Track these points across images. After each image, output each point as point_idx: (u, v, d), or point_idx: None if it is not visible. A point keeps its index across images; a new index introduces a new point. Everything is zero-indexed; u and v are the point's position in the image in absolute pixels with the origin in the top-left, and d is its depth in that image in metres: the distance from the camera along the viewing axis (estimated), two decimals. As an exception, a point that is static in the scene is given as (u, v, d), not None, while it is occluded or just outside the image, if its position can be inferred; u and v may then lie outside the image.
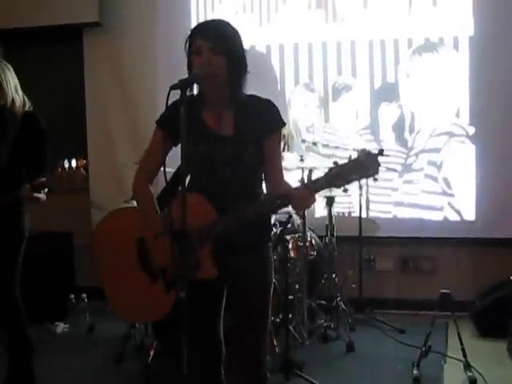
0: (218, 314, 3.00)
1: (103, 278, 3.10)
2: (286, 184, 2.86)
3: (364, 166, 2.51)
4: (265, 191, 2.95)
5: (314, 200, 2.63)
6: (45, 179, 3.64)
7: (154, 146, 2.91)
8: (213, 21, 2.85)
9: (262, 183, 2.92)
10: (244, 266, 2.86)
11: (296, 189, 2.65)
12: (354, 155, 2.57)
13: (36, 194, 3.74)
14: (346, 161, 2.55)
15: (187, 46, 2.77)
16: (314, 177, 2.68)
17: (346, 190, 2.70)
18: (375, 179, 2.54)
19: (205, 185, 2.75)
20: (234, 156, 2.75)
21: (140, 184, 2.95)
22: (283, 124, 2.87)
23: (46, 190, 3.74)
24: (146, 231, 2.87)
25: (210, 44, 2.69)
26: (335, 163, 2.58)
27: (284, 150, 4.87)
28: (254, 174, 2.84)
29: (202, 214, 2.69)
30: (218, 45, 2.70)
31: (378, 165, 2.51)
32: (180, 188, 2.52)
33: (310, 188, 2.60)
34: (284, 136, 4.81)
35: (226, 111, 2.83)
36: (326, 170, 2.57)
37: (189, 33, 2.78)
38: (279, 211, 3.43)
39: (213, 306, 2.97)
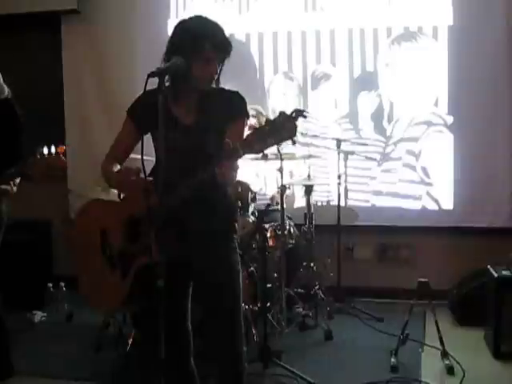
0: (184, 304, 3.04)
1: (77, 268, 3.22)
2: None
3: (280, 128, 2.35)
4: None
5: (233, 168, 2.59)
6: (13, 170, 3.53)
7: (123, 134, 2.99)
8: (216, 26, 2.82)
9: None
10: (209, 259, 2.89)
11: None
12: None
13: (4, 187, 3.69)
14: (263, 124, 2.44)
15: (185, 39, 2.77)
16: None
17: (265, 156, 2.53)
18: (294, 142, 2.35)
19: (168, 172, 2.64)
20: (195, 144, 2.79)
21: (106, 165, 2.98)
22: (246, 115, 2.87)
23: (18, 180, 3.70)
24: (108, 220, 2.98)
25: (220, 56, 2.80)
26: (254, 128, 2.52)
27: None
28: (216, 162, 2.73)
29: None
30: (225, 57, 2.83)
31: (295, 126, 2.35)
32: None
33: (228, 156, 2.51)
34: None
35: (194, 101, 2.87)
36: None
37: (187, 22, 2.81)
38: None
39: (179, 295, 3.00)
